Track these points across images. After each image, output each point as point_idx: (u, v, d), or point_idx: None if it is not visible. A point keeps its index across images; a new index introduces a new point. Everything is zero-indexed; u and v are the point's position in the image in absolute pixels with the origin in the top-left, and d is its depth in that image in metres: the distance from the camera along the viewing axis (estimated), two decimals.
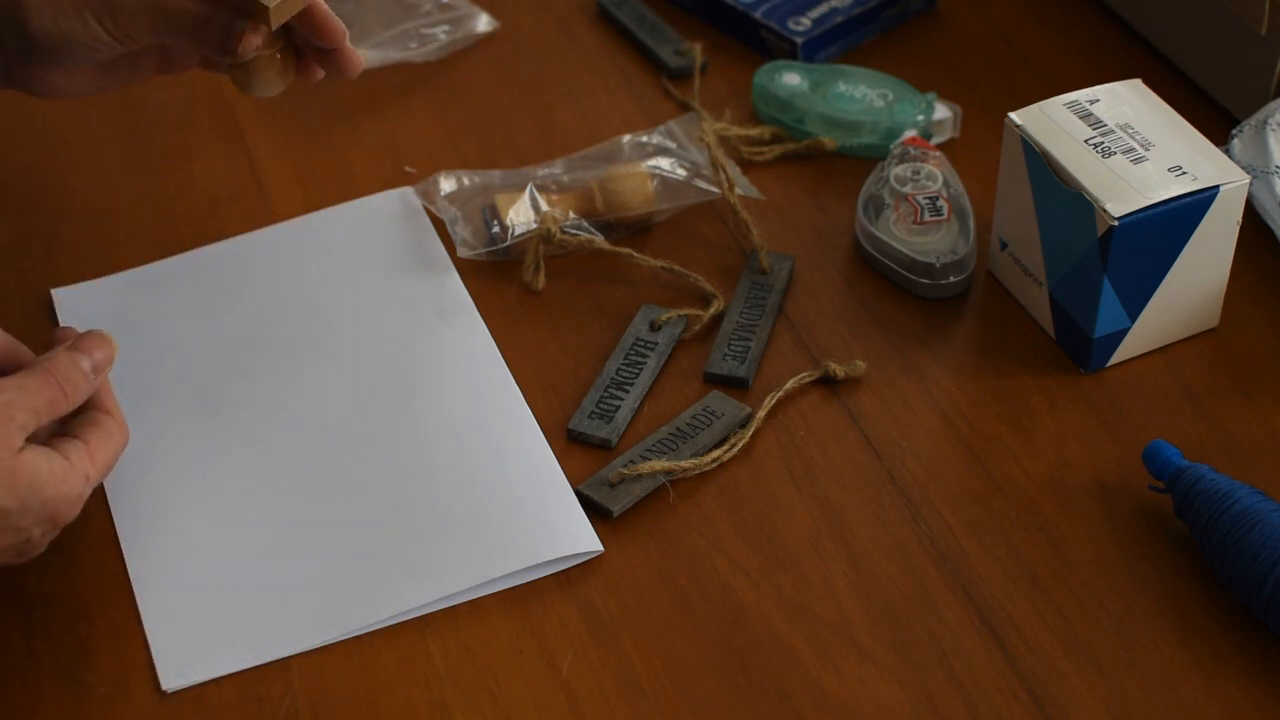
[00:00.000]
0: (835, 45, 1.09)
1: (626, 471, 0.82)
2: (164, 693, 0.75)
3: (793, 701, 0.74)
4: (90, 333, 0.77)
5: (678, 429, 0.85)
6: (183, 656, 0.76)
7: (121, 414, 0.78)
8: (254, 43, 0.82)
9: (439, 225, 0.97)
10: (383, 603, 0.78)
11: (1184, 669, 0.75)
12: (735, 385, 0.88)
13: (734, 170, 0.98)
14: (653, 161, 0.97)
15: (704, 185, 0.96)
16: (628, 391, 0.87)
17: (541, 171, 0.99)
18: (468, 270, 0.95)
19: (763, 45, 1.09)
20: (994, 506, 0.82)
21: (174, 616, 0.78)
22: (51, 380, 0.74)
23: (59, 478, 0.72)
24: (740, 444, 0.84)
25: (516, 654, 0.76)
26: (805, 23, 1.08)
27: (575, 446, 0.85)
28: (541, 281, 0.93)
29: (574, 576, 0.79)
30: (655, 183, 0.96)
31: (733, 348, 0.89)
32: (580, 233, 0.94)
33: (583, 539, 0.80)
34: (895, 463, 0.84)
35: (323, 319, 0.92)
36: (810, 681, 0.75)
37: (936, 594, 0.78)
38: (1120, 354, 0.88)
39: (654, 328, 0.90)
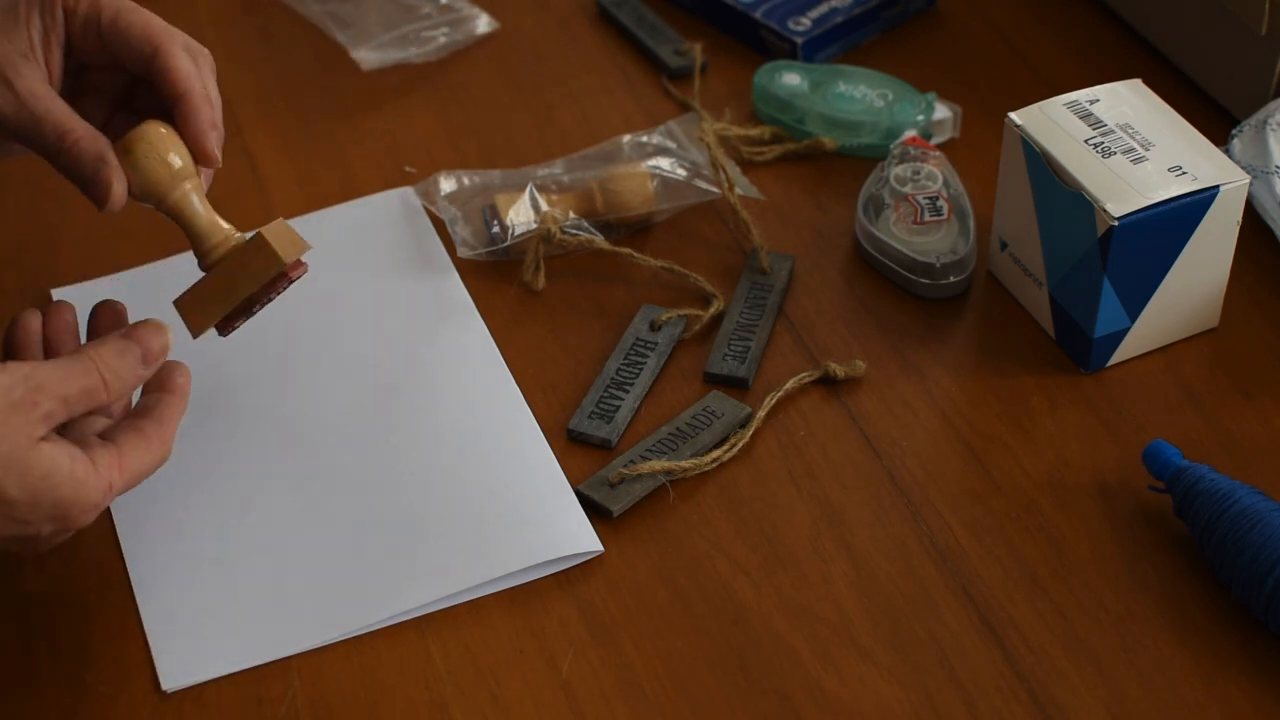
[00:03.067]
0: (835, 45, 1.09)
1: (626, 471, 0.82)
2: (164, 693, 0.75)
3: (793, 701, 0.74)
4: (145, 322, 0.73)
5: (678, 429, 0.85)
6: (183, 656, 0.76)
7: (170, 431, 0.73)
8: (119, 196, 0.74)
9: (439, 225, 0.97)
10: (383, 603, 0.78)
11: (1184, 669, 0.75)
12: (735, 385, 0.88)
13: (734, 170, 0.98)
14: (653, 161, 0.97)
15: (704, 185, 0.96)
16: (628, 391, 0.87)
17: (541, 171, 0.99)
18: (468, 270, 0.95)
19: (763, 45, 1.09)
20: (994, 506, 0.82)
21: (174, 616, 0.78)
22: (92, 368, 0.69)
23: (79, 481, 0.68)
24: (740, 444, 0.84)
25: (516, 654, 0.76)
26: (805, 23, 1.08)
27: (575, 446, 0.85)
28: (541, 281, 0.93)
29: (574, 576, 0.79)
30: (655, 183, 0.96)
31: (733, 348, 0.89)
32: (580, 233, 0.94)
33: (583, 539, 0.80)
34: (895, 463, 0.84)
35: (323, 319, 0.92)
36: (810, 681, 0.75)
37: (936, 594, 0.78)
38: (1120, 354, 0.88)
39: (654, 328, 0.90)
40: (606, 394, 0.87)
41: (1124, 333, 0.87)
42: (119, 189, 0.74)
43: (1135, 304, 0.86)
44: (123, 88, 0.80)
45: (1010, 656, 0.76)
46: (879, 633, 0.77)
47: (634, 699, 0.75)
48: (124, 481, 0.71)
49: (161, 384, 0.75)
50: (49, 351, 0.77)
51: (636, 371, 0.88)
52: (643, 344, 0.90)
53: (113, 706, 0.75)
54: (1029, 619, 0.77)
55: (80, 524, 0.70)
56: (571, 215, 0.95)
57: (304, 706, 0.75)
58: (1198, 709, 0.73)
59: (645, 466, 0.82)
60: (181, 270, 0.95)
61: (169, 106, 0.76)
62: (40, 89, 0.75)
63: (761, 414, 0.85)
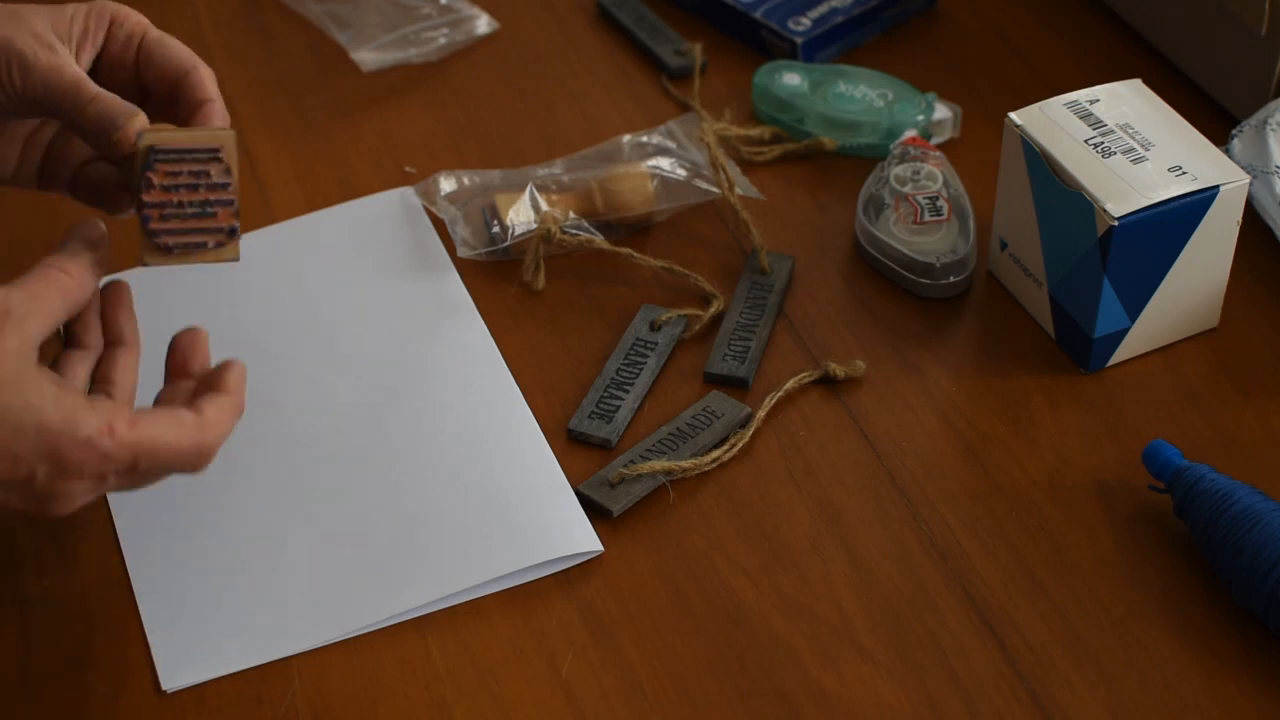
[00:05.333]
0: (835, 45, 1.09)
1: (626, 471, 0.82)
2: (164, 693, 0.75)
3: (793, 701, 0.74)
4: (81, 222, 0.72)
5: (678, 429, 0.85)
6: (183, 656, 0.76)
7: (211, 416, 0.70)
8: (136, 128, 0.73)
9: (439, 225, 0.97)
10: (383, 603, 0.78)
11: (1184, 669, 0.75)
12: (735, 385, 0.88)
13: (734, 170, 0.98)
14: (653, 161, 0.97)
15: (704, 185, 0.96)
16: (628, 391, 0.87)
17: (541, 171, 0.99)
18: (468, 270, 0.95)
19: (763, 45, 1.09)
20: (994, 506, 0.82)
21: (174, 616, 0.78)
22: (48, 269, 0.68)
23: (66, 408, 0.65)
24: (740, 444, 0.84)
25: (516, 654, 0.76)
26: (805, 23, 1.08)
27: (575, 446, 0.85)
28: (541, 281, 0.93)
29: (574, 576, 0.79)
30: (655, 183, 0.96)
31: (733, 348, 0.89)
32: (580, 233, 0.94)
33: (583, 539, 0.80)
34: (895, 463, 0.84)
35: (323, 319, 0.92)
36: (810, 681, 0.75)
37: (936, 594, 0.78)
38: (1120, 354, 0.88)
39: (654, 328, 0.90)
40: (606, 394, 0.87)
41: (1124, 333, 0.87)
42: (141, 118, 0.74)
43: (1135, 304, 0.86)
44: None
45: (1010, 656, 0.76)
46: (879, 633, 0.77)
47: (634, 699, 0.75)
48: (135, 437, 0.67)
49: (179, 369, 0.74)
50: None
51: (636, 371, 0.88)
52: (643, 344, 0.90)
53: (113, 706, 0.75)
54: (1029, 619, 0.77)
55: (76, 464, 0.66)
56: (571, 215, 0.95)
57: (304, 706, 0.75)
58: (1198, 709, 0.73)
59: (645, 466, 0.82)
60: (180, 274, 0.95)
61: (188, 116, 0.77)
62: (70, 61, 0.76)
63: (761, 414, 0.85)
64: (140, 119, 0.74)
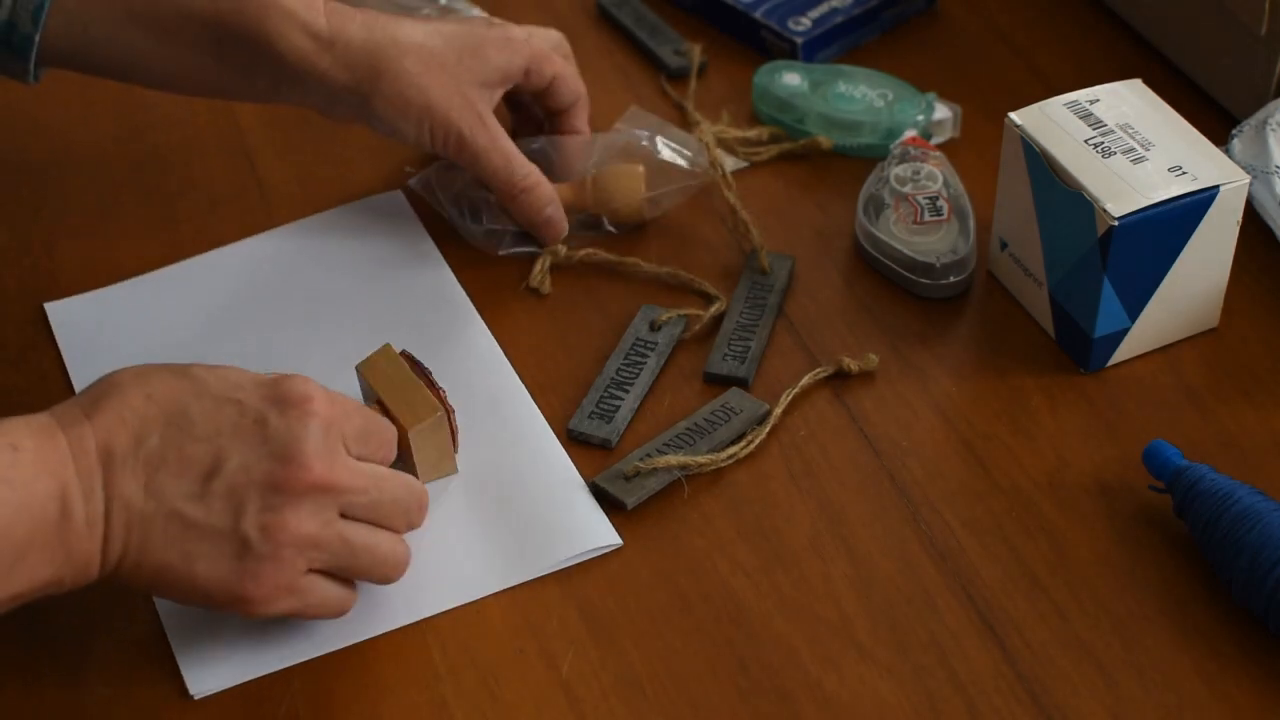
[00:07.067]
0: (835, 45, 1.09)
1: (642, 465, 0.82)
2: (164, 693, 0.75)
3: (793, 701, 0.74)
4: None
5: (695, 424, 0.85)
6: (209, 662, 0.75)
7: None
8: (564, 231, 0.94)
9: (439, 225, 0.97)
10: (403, 609, 0.77)
11: (1184, 669, 0.75)
12: (735, 385, 0.88)
13: (726, 160, 0.98)
14: (644, 141, 0.97)
15: (685, 165, 0.95)
16: (628, 391, 0.87)
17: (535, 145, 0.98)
18: (468, 270, 0.94)
19: (763, 45, 1.09)
20: (994, 506, 0.82)
21: (197, 622, 0.77)
22: (383, 421, 0.78)
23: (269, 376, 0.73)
24: (757, 440, 0.84)
25: (516, 654, 0.76)
26: (805, 23, 1.08)
27: (575, 446, 0.85)
28: (548, 287, 0.93)
29: (574, 576, 0.79)
30: (645, 182, 0.95)
31: (733, 348, 0.89)
32: (583, 245, 0.94)
33: (601, 534, 0.80)
34: (895, 463, 0.84)
35: (324, 322, 0.92)
36: (810, 681, 0.75)
37: (936, 594, 0.78)
38: (1120, 354, 0.88)
39: (654, 328, 0.90)
40: (606, 394, 0.87)
41: (1124, 333, 0.87)
42: (564, 227, 0.94)
43: (1135, 304, 0.86)
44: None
45: (1010, 656, 0.76)
46: (879, 633, 0.77)
47: (634, 699, 0.75)
48: (335, 410, 0.74)
49: None
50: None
51: (636, 371, 0.88)
52: (643, 344, 0.90)
53: (113, 706, 0.75)
54: (1029, 619, 0.77)
55: (299, 396, 0.72)
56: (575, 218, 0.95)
57: (304, 707, 0.75)
58: (1198, 709, 0.73)
59: (661, 461, 0.82)
60: (179, 279, 0.95)
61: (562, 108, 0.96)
62: (502, 131, 0.92)
63: (778, 411, 0.85)
64: (564, 230, 0.93)
